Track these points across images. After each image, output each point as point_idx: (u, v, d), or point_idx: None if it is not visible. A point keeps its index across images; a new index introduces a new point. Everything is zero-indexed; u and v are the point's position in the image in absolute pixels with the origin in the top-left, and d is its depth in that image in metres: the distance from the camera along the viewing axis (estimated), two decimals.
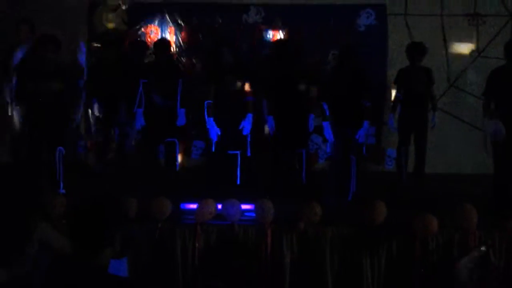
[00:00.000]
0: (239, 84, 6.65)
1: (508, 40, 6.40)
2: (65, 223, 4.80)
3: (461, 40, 8.09)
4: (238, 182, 6.61)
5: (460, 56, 8.06)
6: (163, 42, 7.14)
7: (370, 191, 6.29)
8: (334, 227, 5.32)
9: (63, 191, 6.24)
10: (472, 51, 8.01)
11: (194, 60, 8.11)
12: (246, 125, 6.60)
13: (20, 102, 6.53)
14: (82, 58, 7.70)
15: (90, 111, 7.44)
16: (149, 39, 8.13)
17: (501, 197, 5.93)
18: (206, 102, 6.60)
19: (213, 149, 6.64)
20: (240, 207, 5.41)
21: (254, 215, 5.40)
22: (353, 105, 6.49)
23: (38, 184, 4.45)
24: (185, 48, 8.18)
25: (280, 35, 8.11)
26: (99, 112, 7.27)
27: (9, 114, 6.77)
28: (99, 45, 7.89)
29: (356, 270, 5.21)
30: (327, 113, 6.59)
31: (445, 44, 7.97)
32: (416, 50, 6.95)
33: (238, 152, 6.60)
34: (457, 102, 8.16)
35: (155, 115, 6.86)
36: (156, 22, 8.21)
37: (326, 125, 6.59)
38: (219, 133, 6.58)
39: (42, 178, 6.06)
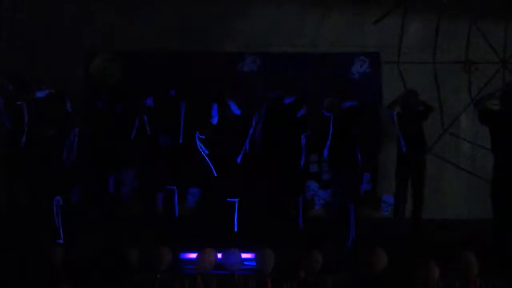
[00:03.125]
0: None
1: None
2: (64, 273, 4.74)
3: (454, 86, 8.20)
4: (236, 229, 6.60)
5: (454, 103, 8.15)
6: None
7: (368, 237, 6.27)
8: (335, 275, 5.30)
9: (61, 241, 6.18)
10: (466, 98, 8.11)
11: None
12: None
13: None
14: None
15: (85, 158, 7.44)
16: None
17: (501, 242, 5.93)
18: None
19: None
20: (240, 256, 5.39)
21: (255, 263, 5.38)
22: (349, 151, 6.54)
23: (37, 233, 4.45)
24: None
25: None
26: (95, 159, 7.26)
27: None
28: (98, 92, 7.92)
29: None
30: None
31: (438, 90, 8.07)
32: (409, 98, 7.05)
33: (236, 199, 6.61)
34: (451, 148, 8.22)
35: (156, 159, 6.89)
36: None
37: None
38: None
39: (41, 227, 6.03)
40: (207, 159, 6.74)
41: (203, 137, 6.74)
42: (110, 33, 8.22)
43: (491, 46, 8.04)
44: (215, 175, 6.73)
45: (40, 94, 6.56)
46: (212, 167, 6.73)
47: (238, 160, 6.79)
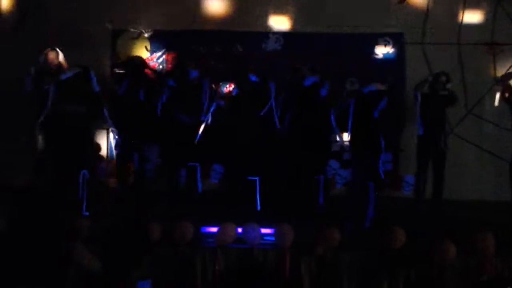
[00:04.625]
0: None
1: None
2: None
3: (478, 68, 8.16)
4: (258, 208, 6.71)
5: (477, 84, 8.11)
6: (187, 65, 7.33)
7: (388, 217, 6.32)
8: (352, 252, 5.37)
9: (87, 213, 6.35)
10: (489, 79, 8.07)
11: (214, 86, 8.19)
12: None
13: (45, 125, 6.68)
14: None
15: (112, 135, 7.59)
16: (169, 66, 8.31)
17: None
18: None
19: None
20: (260, 231, 5.49)
21: (274, 239, 5.48)
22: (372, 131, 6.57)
23: (65, 207, 4.57)
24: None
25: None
26: (120, 136, 7.40)
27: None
28: (122, 72, 8.05)
29: None
30: None
31: (463, 72, 8.04)
32: (439, 80, 7.03)
33: (257, 178, 6.70)
34: (475, 129, 8.21)
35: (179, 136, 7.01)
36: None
37: None
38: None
39: (68, 200, 6.19)
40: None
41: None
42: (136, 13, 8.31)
43: None
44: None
45: (65, 76, 6.65)
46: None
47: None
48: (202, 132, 6.99)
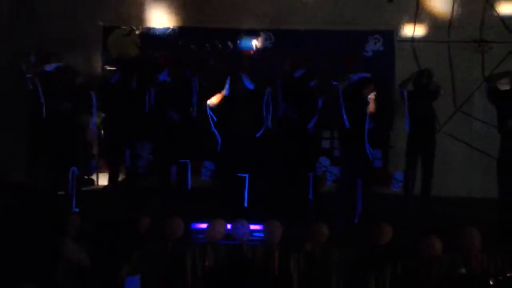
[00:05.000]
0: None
1: None
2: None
3: (467, 65, 8.22)
4: (246, 204, 6.75)
5: (466, 82, 8.18)
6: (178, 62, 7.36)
7: (376, 213, 6.38)
8: (341, 247, 5.43)
9: (77, 210, 6.38)
10: (478, 77, 8.13)
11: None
12: None
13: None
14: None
15: (102, 132, 7.62)
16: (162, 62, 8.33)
17: (505, 221, 6.02)
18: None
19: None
20: (249, 228, 5.54)
21: (263, 235, 5.53)
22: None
23: (57, 203, 4.60)
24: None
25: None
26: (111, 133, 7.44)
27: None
28: (113, 69, 8.07)
29: None
30: None
31: (452, 69, 8.10)
32: (423, 77, 7.08)
33: (246, 175, 6.74)
34: (464, 127, 8.27)
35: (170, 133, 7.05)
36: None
37: None
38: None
39: (58, 196, 6.23)
40: (215, 130, 6.83)
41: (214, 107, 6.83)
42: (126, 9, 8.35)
43: (505, 26, 8.04)
44: (218, 149, 6.83)
45: (48, 68, 6.66)
46: (219, 138, 6.84)
47: (258, 135, 6.87)
48: (193, 129, 7.04)
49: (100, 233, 3.59)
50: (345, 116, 6.40)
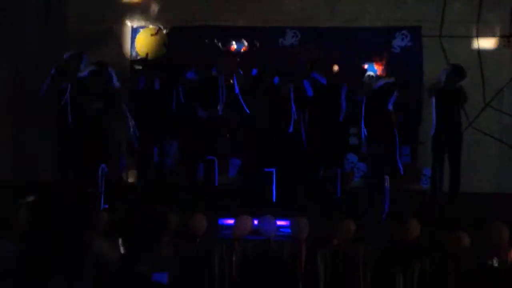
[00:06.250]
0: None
1: None
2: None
3: (496, 61, 8.12)
4: (274, 200, 6.78)
5: (496, 77, 8.08)
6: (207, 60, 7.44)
7: (404, 209, 6.35)
8: (368, 243, 5.43)
9: (105, 206, 6.48)
10: (508, 72, 8.03)
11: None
12: None
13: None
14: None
15: (132, 130, 7.71)
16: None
17: None
18: None
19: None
20: (276, 223, 5.57)
21: (290, 231, 5.55)
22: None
23: (86, 201, 4.68)
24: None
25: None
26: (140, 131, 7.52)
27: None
28: (141, 68, 8.16)
29: (389, 287, 5.30)
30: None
31: (481, 65, 8.01)
32: (457, 74, 7.00)
33: (273, 169, 6.77)
34: (493, 122, 8.18)
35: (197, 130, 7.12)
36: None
37: None
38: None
39: (88, 194, 6.34)
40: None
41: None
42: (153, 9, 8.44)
43: None
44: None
45: (82, 74, 6.80)
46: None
47: (290, 129, 6.90)
48: (219, 126, 7.09)
49: (128, 228, 3.67)
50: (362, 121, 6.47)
